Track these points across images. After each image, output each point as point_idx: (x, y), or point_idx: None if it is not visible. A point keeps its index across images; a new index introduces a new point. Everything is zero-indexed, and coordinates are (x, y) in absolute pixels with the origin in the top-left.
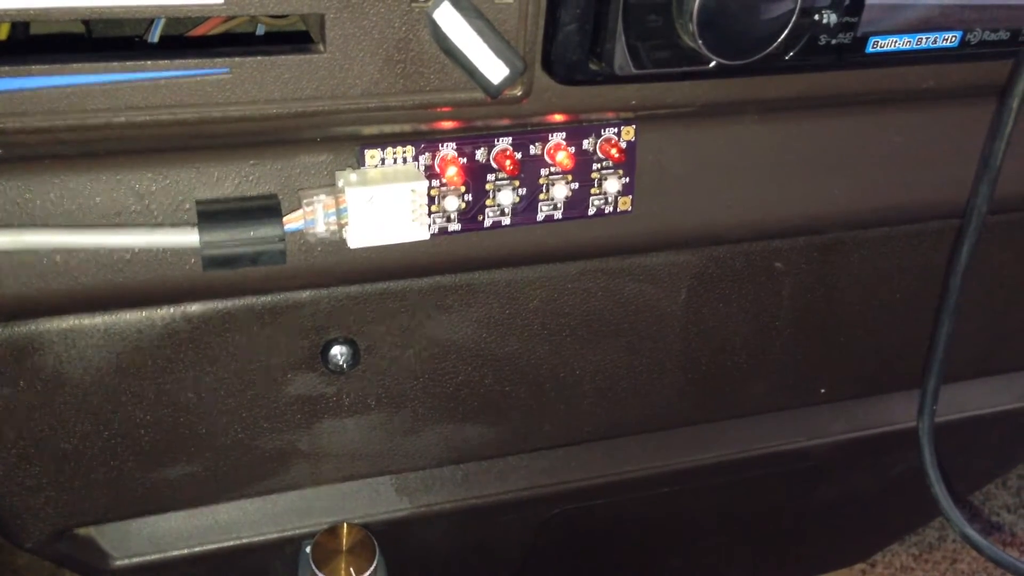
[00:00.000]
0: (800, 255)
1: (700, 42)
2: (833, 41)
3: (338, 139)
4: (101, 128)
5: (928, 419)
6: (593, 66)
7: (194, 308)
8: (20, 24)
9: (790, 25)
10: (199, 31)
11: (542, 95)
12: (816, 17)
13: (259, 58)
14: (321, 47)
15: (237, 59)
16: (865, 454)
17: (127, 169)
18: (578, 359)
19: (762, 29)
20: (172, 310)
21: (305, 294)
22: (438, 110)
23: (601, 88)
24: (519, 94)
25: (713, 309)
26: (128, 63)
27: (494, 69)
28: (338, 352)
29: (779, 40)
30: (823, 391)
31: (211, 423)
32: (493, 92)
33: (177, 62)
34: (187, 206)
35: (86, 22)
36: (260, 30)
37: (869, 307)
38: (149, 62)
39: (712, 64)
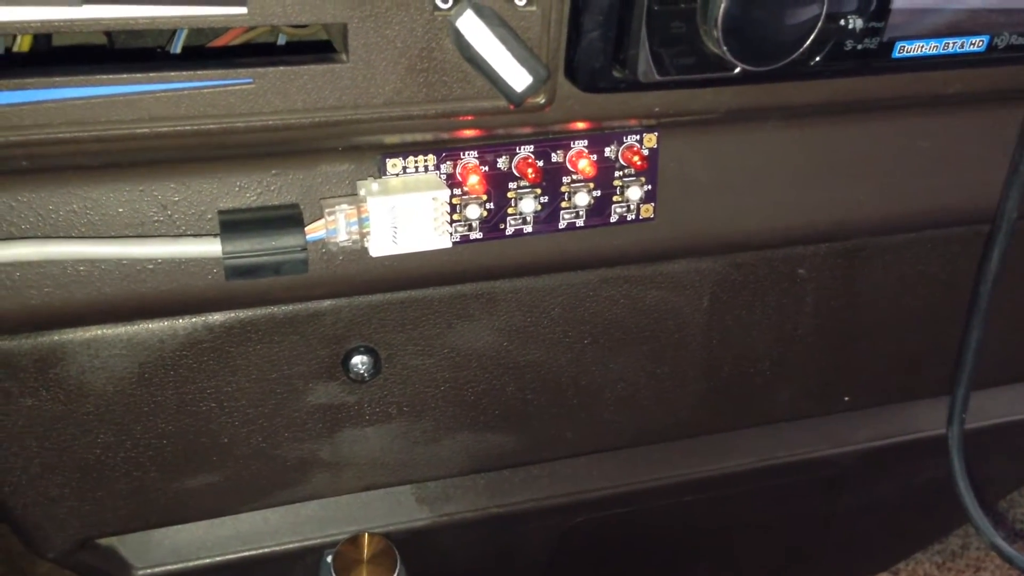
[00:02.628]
0: (824, 261)
1: (725, 48)
2: (859, 46)
3: (360, 148)
4: (125, 139)
5: (957, 427)
6: (616, 73)
7: (216, 318)
8: (42, 36)
9: (815, 31)
10: (220, 42)
11: (565, 103)
12: (842, 22)
13: (282, 68)
14: (344, 56)
15: (260, 69)
16: (890, 462)
17: (150, 179)
18: (599, 367)
19: (787, 35)
20: (194, 320)
21: (326, 303)
22: (460, 119)
23: (624, 95)
24: (542, 102)
25: (736, 316)
26: (152, 74)
27: (517, 77)
28: (359, 361)
29: (804, 46)
30: (847, 399)
31: (232, 433)
32: (516, 100)
33: (201, 73)
34: (209, 216)
35: (108, 33)
36: (281, 40)
37: (894, 313)
38: (173, 73)
39: (736, 70)
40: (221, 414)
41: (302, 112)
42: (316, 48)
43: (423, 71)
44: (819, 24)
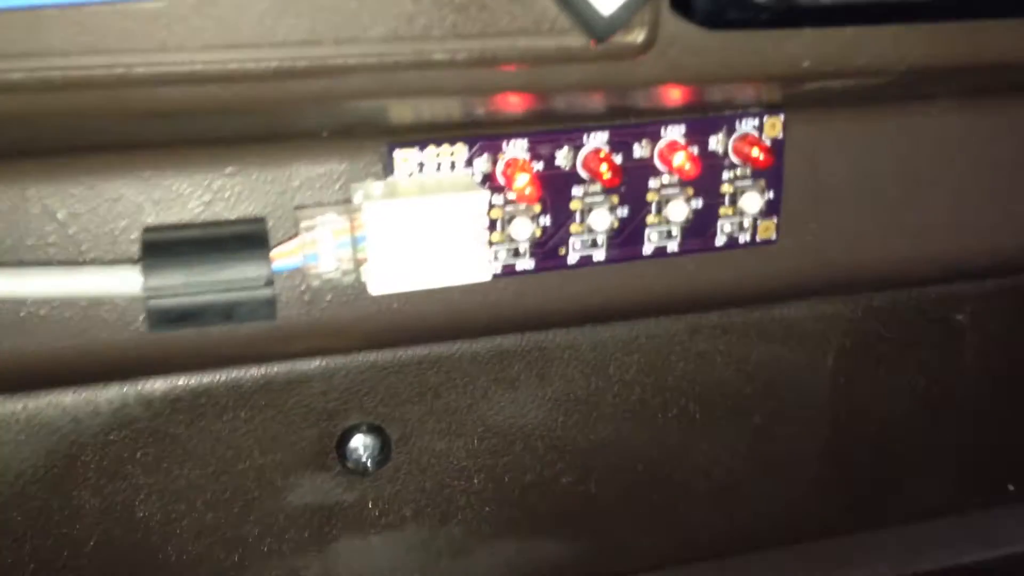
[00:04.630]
0: (989, 304)
1: None
2: None
3: (356, 134)
4: None
5: None
6: None
7: (154, 386)
8: None
9: None
10: None
11: (672, 47)
12: None
13: None
14: None
15: None
16: None
17: (38, 179)
18: (689, 449)
19: None
20: (123, 389)
21: (313, 364)
22: (505, 68)
23: (763, 37)
24: (639, 41)
25: (869, 379)
26: None
27: None
28: (360, 444)
29: None
30: (1012, 488)
31: (182, 547)
32: (600, 30)
33: None
34: (132, 236)
35: None
36: None
37: None
38: None
39: None
40: (166, 521)
41: (248, 50)
42: None
43: None
44: None
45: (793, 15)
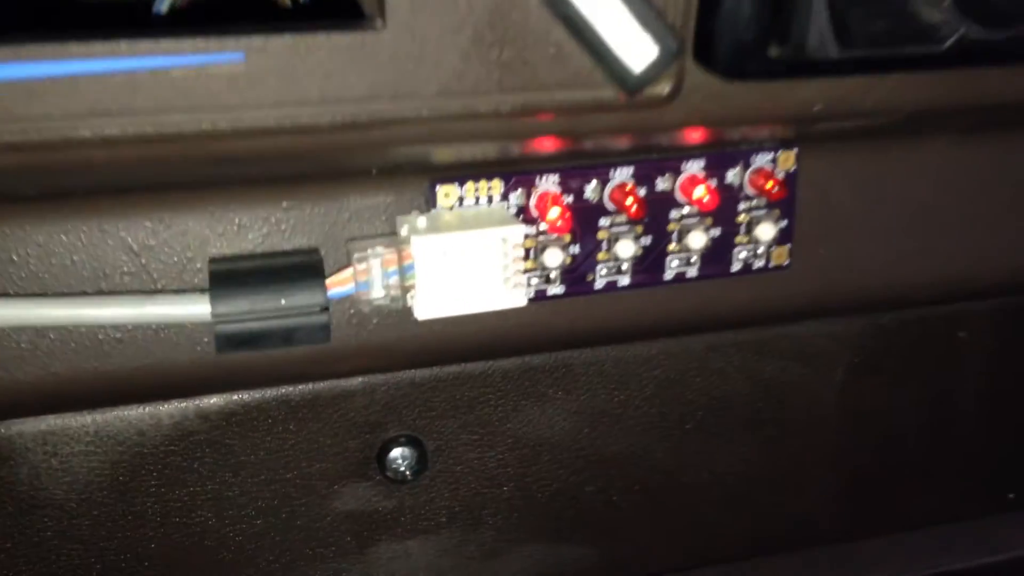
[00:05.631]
0: (989, 322)
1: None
2: None
3: (401, 171)
4: (57, 147)
5: None
6: (774, 51)
7: (212, 402)
8: None
9: None
10: None
11: (694, 96)
12: None
13: (288, 38)
14: (378, 21)
15: (256, 39)
16: None
17: (115, 215)
18: (706, 459)
19: None
20: (183, 405)
21: (356, 381)
22: (544, 118)
23: (778, 86)
24: (665, 93)
25: (877, 394)
26: (90, 45)
27: (636, 49)
28: (399, 455)
29: None
30: (1012, 496)
31: (236, 549)
32: (632, 84)
33: (160, 44)
34: (198, 265)
35: None
36: None
37: None
38: (120, 43)
39: (951, 40)
40: (220, 526)
41: (316, 106)
42: (341, 10)
43: (495, 44)
44: None
45: (805, 67)
